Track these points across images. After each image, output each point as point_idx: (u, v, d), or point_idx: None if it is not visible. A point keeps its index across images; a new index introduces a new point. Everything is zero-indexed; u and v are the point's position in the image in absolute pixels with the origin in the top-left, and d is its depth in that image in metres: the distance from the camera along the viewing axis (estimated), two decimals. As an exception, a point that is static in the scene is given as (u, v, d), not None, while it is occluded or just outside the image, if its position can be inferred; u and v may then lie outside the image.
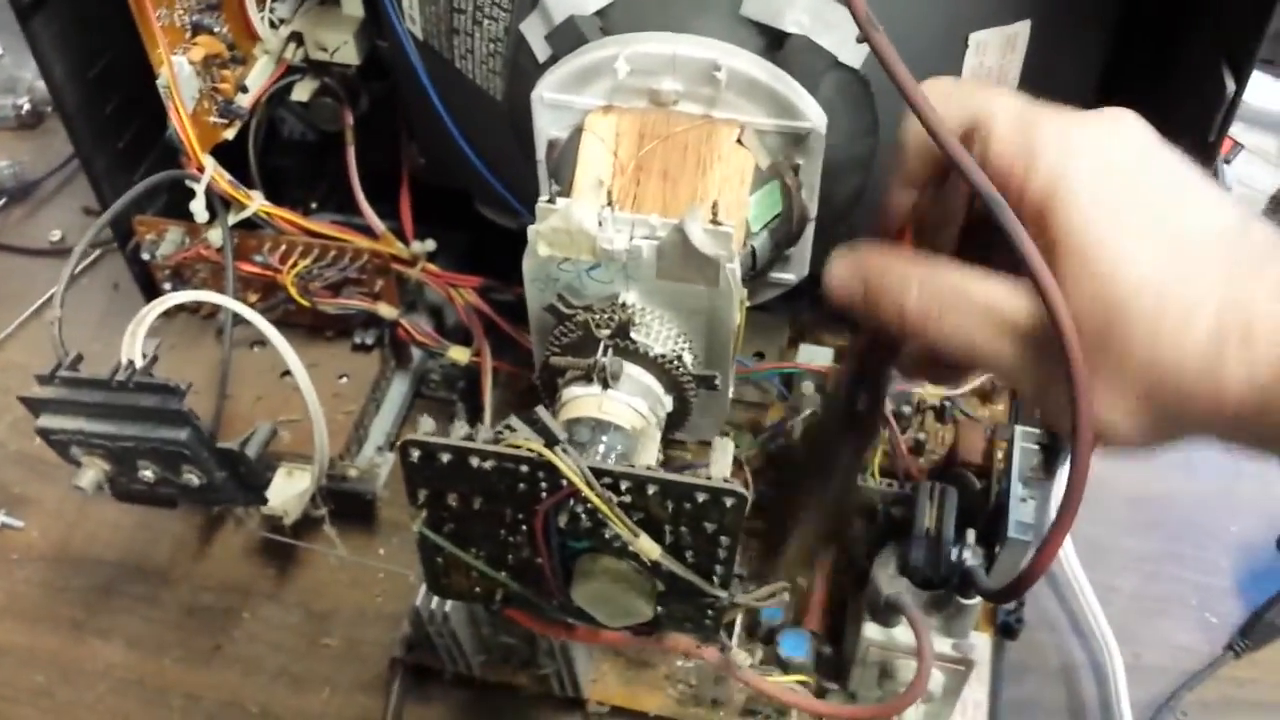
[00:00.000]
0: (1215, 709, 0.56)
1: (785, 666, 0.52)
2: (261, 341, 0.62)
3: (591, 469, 0.35)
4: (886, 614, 0.49)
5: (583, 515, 0.36)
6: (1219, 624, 0.59)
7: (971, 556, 0.49)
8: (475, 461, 0.35)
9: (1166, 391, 0.31)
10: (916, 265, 0.36)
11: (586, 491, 0.34)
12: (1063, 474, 0.61)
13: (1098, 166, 0.32)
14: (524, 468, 0.35)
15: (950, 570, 0.48)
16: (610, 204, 0.41)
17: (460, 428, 0.36)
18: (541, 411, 0.36)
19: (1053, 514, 0.60)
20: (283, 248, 0.59)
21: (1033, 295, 0.32)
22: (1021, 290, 0.33)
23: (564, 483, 0.35)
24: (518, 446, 0.35)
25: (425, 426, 0.36)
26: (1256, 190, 0.75)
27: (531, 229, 0.41)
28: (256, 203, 0.57)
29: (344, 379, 0.61)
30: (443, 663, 0.54)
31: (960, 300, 0.34)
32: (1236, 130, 0.77)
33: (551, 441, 0.35)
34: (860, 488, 0.54)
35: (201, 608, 0.60)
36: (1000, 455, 0.55)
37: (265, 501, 0.49)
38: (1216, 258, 0.31)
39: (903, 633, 0.48)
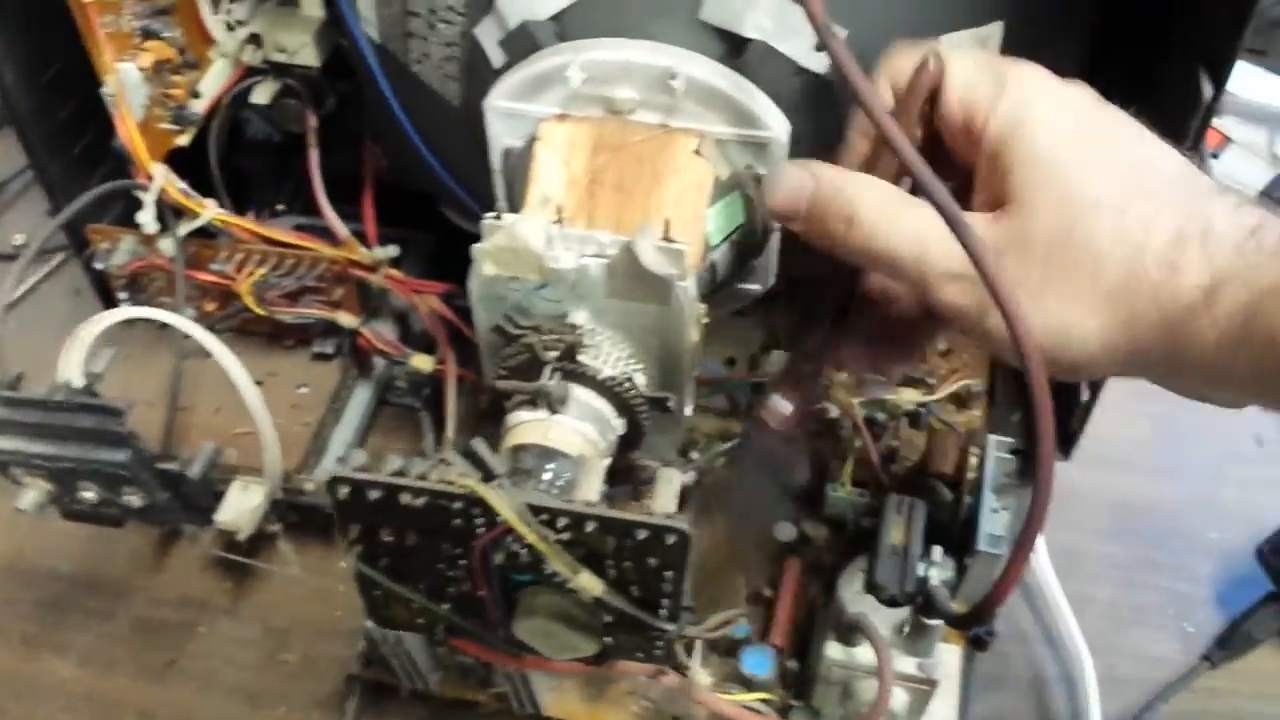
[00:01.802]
0: (1190, 720, 0.56)
1: (748, 683, 0.51)
2: (220, 350, 0.61)
3: (529, 505, 0.33)
4: (849, 633, 0.47)
5: (521, 551, 0.35)
6: (1196, 634, 0.58)
7: (940, 573, 0.48)
8: (406, 499, 0.34)
9: (1129, 290, 0.32)
10: (868, 182, 0.37)
11: (522, 530, 0.33)
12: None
13: (1061, 104, 0.35)
14: (457, 504, 0.34)
15: (917, 588, 0.47)
16: (559, 221, 0.39)
17: (392, 462, 0.34)
18: (478, 444, 0.34)
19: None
20: (239, 256, 0.57)
21: (987, 217, 0.34)
22: (976, 211, 0.35)
23: (500, 519, 0.34)
24: (450, 483, 0.33)
25: (354, 461, 0.34)
26: (1244, 185, 0.73)
27: (476, 248, 0.39)
28: (210, 211, 0.56)
29: (303, 389, 0.60)
30: (400, 680, 0.53)
31: (908, 213, 0.35)
32: (1226, 124, 0.76)
33: (488, 476, 0.34)
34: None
35: (157, 622, 0.59)
36: (974, 464, 0.54)
37: (210, 522, 0.48)
38: (1173, 184, 0.33)
39: (865, 652, 0.47)
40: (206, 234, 0.59)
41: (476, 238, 0.40)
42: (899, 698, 0.48)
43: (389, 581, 0.37)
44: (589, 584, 0.35)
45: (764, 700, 0.50)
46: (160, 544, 0.61)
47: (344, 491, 0.34)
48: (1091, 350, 0.33)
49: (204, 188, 0.63)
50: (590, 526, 0.34)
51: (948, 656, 0.54)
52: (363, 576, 0.38)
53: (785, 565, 0.56)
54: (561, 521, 0.34)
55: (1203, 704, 0.56)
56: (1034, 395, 0.32)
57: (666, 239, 0.38)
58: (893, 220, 0.36)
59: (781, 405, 0.42)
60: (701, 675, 0.46)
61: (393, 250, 0.59)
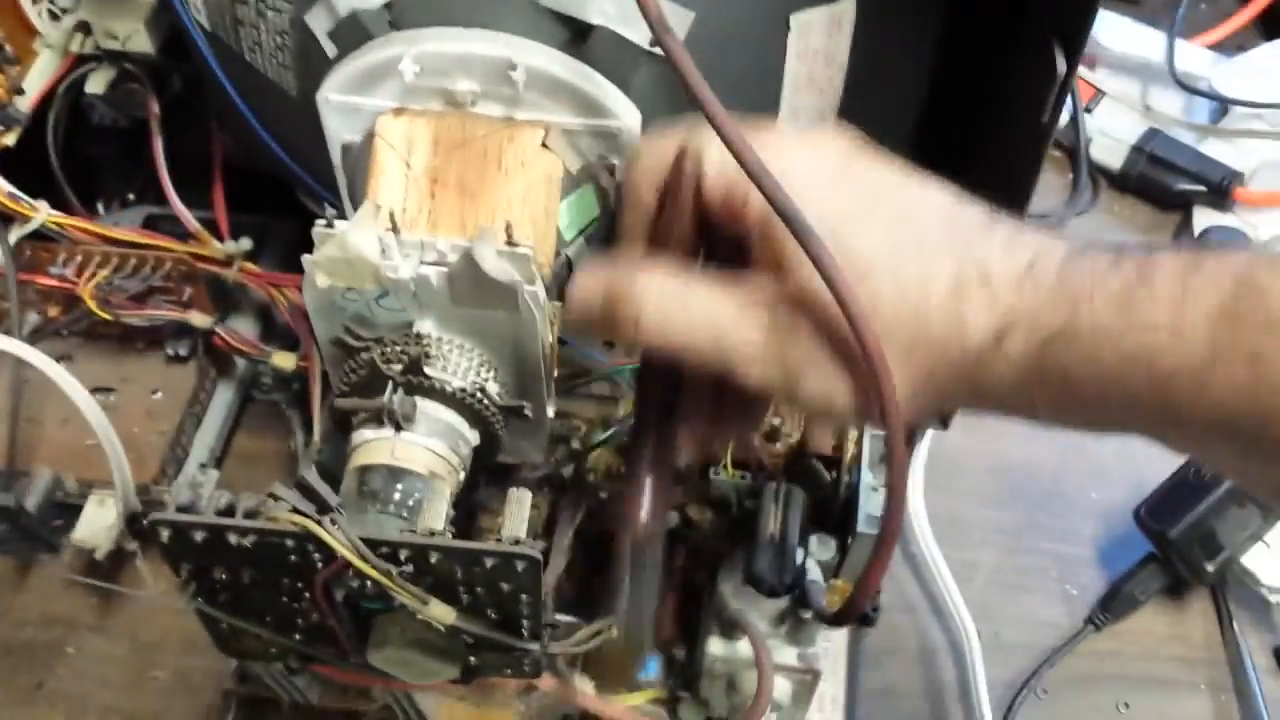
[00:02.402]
0: (1077, 684, 0.56)
1: (634, 684, 0.50)
2: (69, 356, 0.58)
3: (366, 540, 0.32)
4: (731, 627, 0.47)
5: (367, 584, 0.33)
6: (1079, 596, 0.58)
7: (819, 556, 0.48)
8: (234, 539, 0.32)
9: (922, 348, 0.31)
10: (649, 275, 0.35)
11: (360, 565, 0.32)
12: (920, 451, 0.61)
13: (818, 166, 0.34)
14: (289, 541, 0.32)
15: (795, 578, 0.46)
16: (394, 227, 0.37)
17: (218, 499, 0.32)
18: (310, 475, 0.32)
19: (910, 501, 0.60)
20: (78, 258, 0.54)
21: (771, 282, 0.33)
22: (760, 278, 0.33)
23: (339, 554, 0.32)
24: (280, 520, 0.32)
25: (178, 498, 0.32)
26: (1118, 140, 0.73)
27: (307, 259, 0.37)
28: (42, 214, 0.53)
29: (158, 394, 0.57)
30: (278, 694, 0.51)
31: (694, 298, 0.34)
32: (1098, 77, 0.76)
33: (323, 509, 0.32)
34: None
35: (21, 644, 0.56)
36: (854, 440, 0.53)
37: (57, 550, 0.46)
38: (941, 228, 0.32)
39: (747, 646, 0.47)
40: (46, 236, 0.55)
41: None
42: (782, 687, 0.47)
43: (230, 618, 0.35)
44: (440, 613, 0.33)
45: (652, 700, 0.49)
46: (22, 561, 0.58)
47: (166, 534, 0.32)
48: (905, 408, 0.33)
49: (50, 182, 0.59)
50: (435, 557, 0.32)
51: (835, 633, 0.54)
52: (202, 613, 0.36)
53: (670, 554, 0.54)
54: (404, 553, 0.32)
55: (1089, 667, 0.56)
56: (890, 443, 0.32)
57: (510, 242, 0.36)
58: (680, 309, 0.34)
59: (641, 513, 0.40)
60: (583, 682, 0.45)
61: (245, 244, 0.56)
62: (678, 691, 0.51)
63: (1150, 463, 0.61)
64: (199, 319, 0.55)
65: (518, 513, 0.34)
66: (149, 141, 0.59)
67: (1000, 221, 0.32)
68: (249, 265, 0.57)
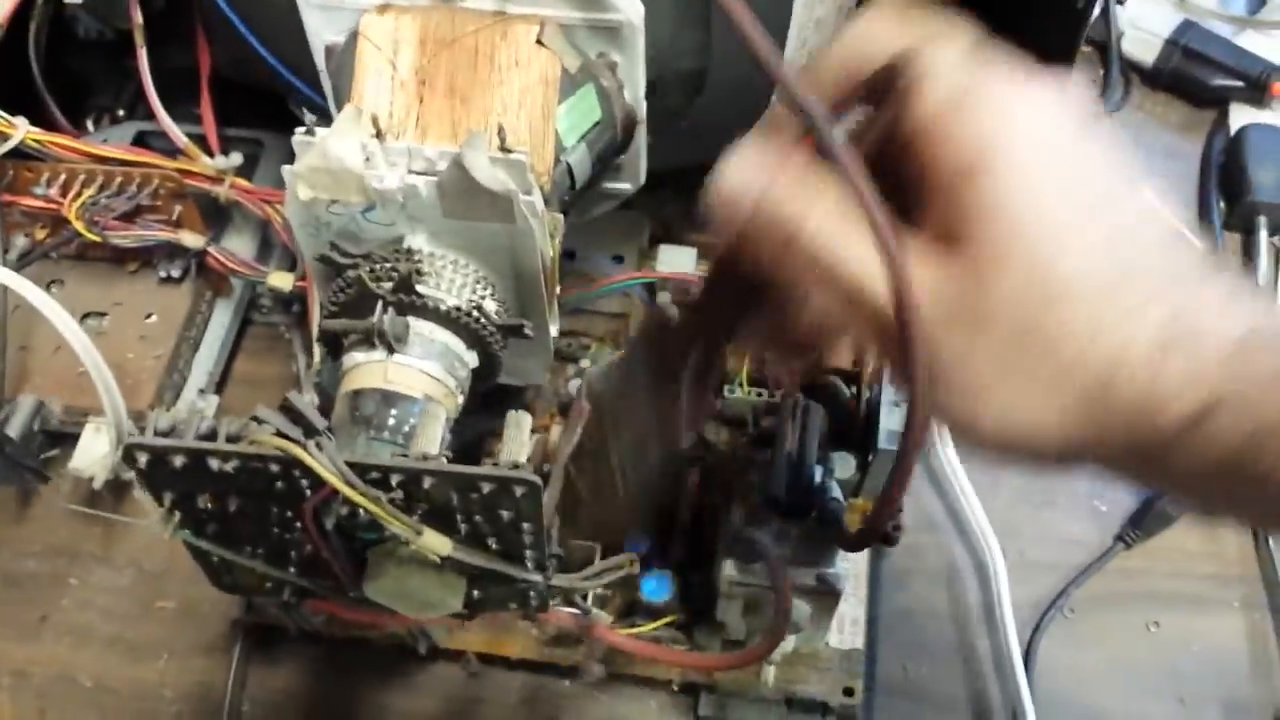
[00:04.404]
0: (1104, 602, 0.54)
1: (650, 610, 0.49)
2: (60, 280, 0.56)
3: (354, 465, 0.30)
4: (746, 551, 0.45)
5: (359, 513, 0.31)
6: (1108, 512, 0.56)
7: (839, 474, 0.46)
8: (215, 464, 0.30)
9: (1103, 402, 0.27)
10: (823, 191, 0.29)
11: (347, 492, 0.30)
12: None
13: (1036, 142, 0.28)
14: (274, 466, 0.30)
15: (815, 496, 0.44)
16: (379, 133, 0.35)
17: (198, 422, 0.31)
18: (296, 398, 0.30)
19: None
20: (63, 177, 0.52)
21: (941, 253, 0.28)
22: (930, 243, 0.28)
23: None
24: (262, 444, 0.30)
25: (157, 423, 0.30)
26: (1151, 33, 0.69)
27: (287, 170, 0.35)
28: (21, 130, 0.50)
29: (152, 318, 0.55)
30: (286, 622, 0.50)
31: (861, 240, 0.28)
32: (1134, -33, 0.71)
33: (309, 432, 0.30)
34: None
35: (25, 575, 0.55)
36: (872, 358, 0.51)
37: (47, 480, 0.44)
38: (1159, 261, 0.28)
39: (764, 568, 0.45)
40: (29, 155, 0.53)
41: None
42: (801, 609, 0.45)
43: (219, 549, 0.34)
44: (435, 543, 0.31)
45: (668, 623, 0.48)
46: (21, 490, 0.57)
47: (143, 459, 0.30)
48: (1049, 451, 0.28)
49: (33, 98, 0.57)
50: (429, 482, 0.30)
51: (856, 555, 0.53)
52: (191, 545, 0.34)
53: (683, 474, 0.53)
54: (396, 479, 0.30)
55: (1119, 585, 0.54)
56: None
57: (503, 148, 0.34)
58: (841, 250, 0.29)
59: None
60: (601, 614, 0.44)
61: (236, 159, 0.54)
62: (693, 616, 0.50)
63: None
64: (191, 239, 0.53)
65: (516, 436, 0.32)
66: (133, 53, 0.56)
67: (1220, 271, 0.28)
68: (241, 181, 0.54)
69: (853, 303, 0.29)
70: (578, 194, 0.42)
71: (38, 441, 0.42)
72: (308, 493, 0.31)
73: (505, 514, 0.31)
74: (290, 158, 0.59)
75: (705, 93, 0.46)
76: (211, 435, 0.30)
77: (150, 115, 0.59)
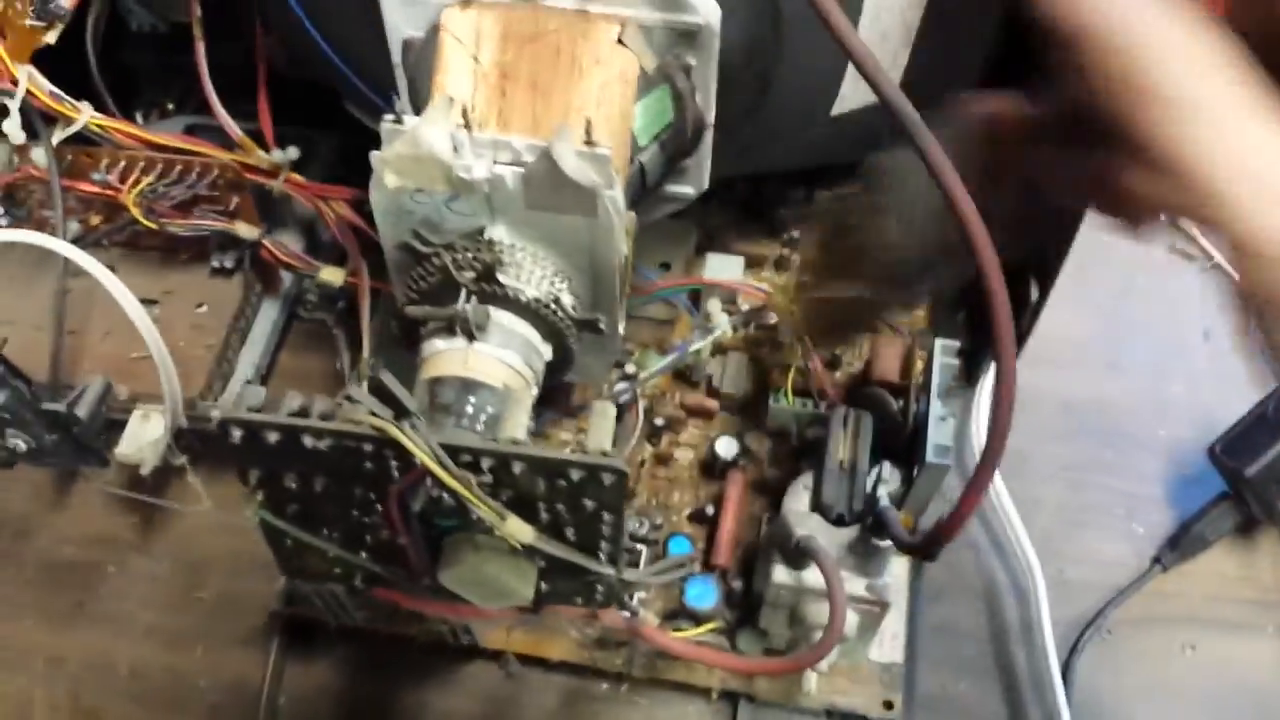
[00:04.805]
0: (1141, 625, 0.54)
1: (694, 616, 0.49)
2: (112, 267, 0.56)
3: (447, 446, 0.30)
4: (797, 557, 0.45)
5: (443, 496, 0.31)
6: (1146, 535, 0.57)
7: (889, 487, 0.46)
8: (309, 441, 0.30)
9: None
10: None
11: (439, 473, 0.30)
12: (985, 382, 0.59)
13: None
14: (367, 446, 0.30)
15: (866, 507, 0.45)
16: (467, 124, 0.35)
17: (292, 399, 0.31)
18: (387, 377, 0.31)
19: (974, 431, 0.58)
20: (122, 164, 0.52)
21: None
22: None
23: (416, 462, 0.30)
24: (358, 423, 0.30)
25: (250, 399, 0.31)
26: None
27: (375, 156, 0.35)
28: (85, 115, 0.50)
29: (203, 308, 0.55)
30: (325, 616, 0.50)
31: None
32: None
33: (401, 414, 0.30)
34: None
35: (63, 563, 0.55)
36: (920, 369, 0.51)
37: (106, 463, 0.44)
38: None
39: (813, 575, 0.45)
40: (88, 140, 0.53)
41: (383, 138, 0.35)
42: (849, 619, 0.45)
43: (297, 531, 0.34)
44: (518, 530, 0.32)
45: (712, 630, 0.48)
46: (61, 478, 0.57)
47: (238, 435, 0.30)
48: None
49: (88, 89, 0.57)
50: (518, 468, 0.31)
51: (895, 568, 0.53)
52: (268, 526, 0.34)
53: (728, 481, 0.53)
54: (486, 463, 0.31)
55: (1155, 607, 0.54)
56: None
57: (589, 142, 0.34)
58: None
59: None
60: (648, 616, 0.44)
61: (293, 153, 0.54)
62: (737, 622, 0.50)
63: (1220, 402, 0.58)
64: (246, 230, 0.53)
65: (602, 425, 0.32)
66: (191, 46, 0.56)
67: None
68: (295, 176, 0.55)
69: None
70: (644, 195, 0.42)
71: (100, 423, 0.42)
72: (395, 475, 0.31)
73: (589, 503, 0.31)
74: (338, 157, 0.60)
75: (767, 106, 0.46)
76: (304, 412, 0.31)
77: (199, 109, 0.60)
